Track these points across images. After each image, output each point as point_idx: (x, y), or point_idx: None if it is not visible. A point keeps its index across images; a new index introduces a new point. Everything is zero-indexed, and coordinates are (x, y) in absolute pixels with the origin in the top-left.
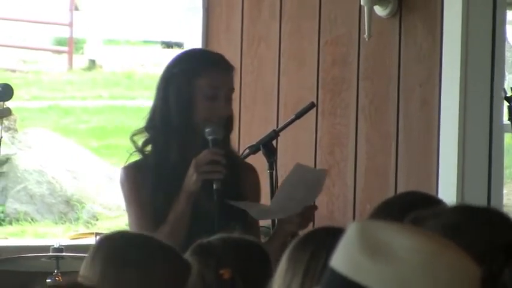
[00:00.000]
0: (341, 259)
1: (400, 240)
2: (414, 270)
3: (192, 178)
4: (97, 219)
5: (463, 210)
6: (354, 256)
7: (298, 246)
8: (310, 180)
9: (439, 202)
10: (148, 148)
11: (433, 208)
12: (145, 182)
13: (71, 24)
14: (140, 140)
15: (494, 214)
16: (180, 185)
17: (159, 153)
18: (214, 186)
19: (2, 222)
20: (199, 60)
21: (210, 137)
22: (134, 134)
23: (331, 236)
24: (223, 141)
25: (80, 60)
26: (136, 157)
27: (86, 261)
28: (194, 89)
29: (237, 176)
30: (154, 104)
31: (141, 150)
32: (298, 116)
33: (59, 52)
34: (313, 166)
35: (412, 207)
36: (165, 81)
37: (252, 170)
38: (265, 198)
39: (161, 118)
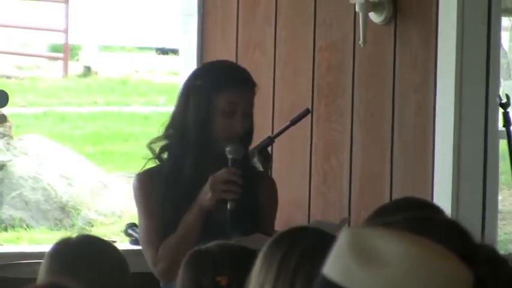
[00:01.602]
0: (332, 266)
1: (391, 246)
2: (405, 275)
3: (207, 195)
4: (92, 226)
5: (414, 221)
6: (345, 263)
7: (273, 244)
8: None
9: (435, 208)
10: (165, 155)
11: (387, 217)
12: (157, 190)
13: (66, 31)
14: (157, 147)
15: (445, 223)
16: (191, 198)
17: (173, 163)
18: (229, 206)
19: None
20: (220, 76)
21: (230, 156)
22: (152, 142)
23: (306, 235)
24: (243, 156)
25: (76, 67)
26: (152, 164)
27: (42, 268)
28: (213, 105)
29: (253, 189)
30: (174, 112)
31: (158, 157)
32: (294, 122)
33: (55, 58)
34: (308, 172)
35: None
36: (186, 92)
37: (268, 180)
38: None
39: (179, 129)
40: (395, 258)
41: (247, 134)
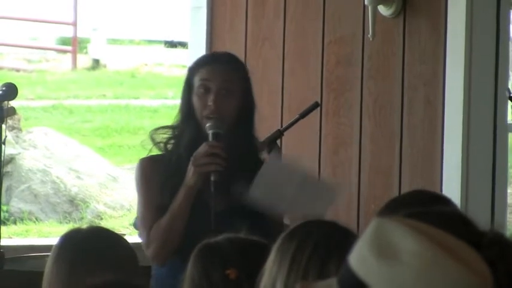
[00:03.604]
0: (354, 253)
1: (408, 243)
2: (411, 275)
3: (190, 173)
4: (101, 219)
5: (416, 216)
6: (363, 252)
7: (286, 237)
8: (312, 186)
9: (446, 200)
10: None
11: (393, 212)
12: (158, 176)
13: (75, 24)
14: (161, 136)
15: (447, 215)
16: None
17: (173, 150)
18: (212, 178)
19: (6, 222)
20: (197, 60)
21: (210, 131)
22: (156, 130)
23: (319, 228)
24: (238, 137)
25: (84, 60)
26: (158, 151)
27: (50, 259)
28: (191, 88)
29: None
30: None
31: (164, 145)
32: (303, 115)
33: (63, 51)
34: (317, 166)
35: (421, 206)
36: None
37: None
38: None
39: (177, 118)
40: (408, 256)
41: (242, 115)
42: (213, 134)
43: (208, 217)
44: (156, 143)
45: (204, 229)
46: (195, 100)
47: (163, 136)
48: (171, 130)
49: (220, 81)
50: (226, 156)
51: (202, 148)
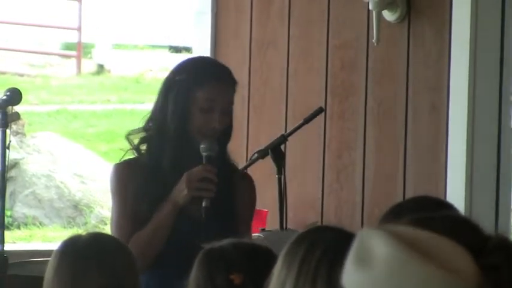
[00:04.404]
0: (345, 267)
1: (382, 248)
2: (384, 280)
3: (182, 192)
4: (105, 224)
5: (420, 222)
6: (347, 262)
7: (295, 242)
8: None
9: (449, 206)
10: (144, 147)
11: (397, 218)
12: (133, 181)
13: (79, 29)
14: (136, 139)
15: (453, 220)
16: (167, 191)
17: (151, 155)
18: (204, 203)
19: (10, 227)
20: (198, 72)
21: (204, 153)
22: (130, 133)
23: (327, 233)
24: (219, 152)
25: (89, 65)
26: (131, 156)
27: (50, 266)
28: (191, 100)
29: (230, 188)
30: (154, 106)
31: (136, 148)
32: (307, 120)
33: (68, 56)
34: (321, 170)
35: (424, 212)
36: (166, 87)
37: (247, 179)
38: (273, 203)
39: (158, 123)
40: (379, 261)
41: (226, 132)
42: (207, 156)
43: (189, 230)
44: (134, 147)
45: (189, 242)
46: (195, 115)
47: (137, 139)
48: (143, 132)
49: (224, 102)
50: (218, 181)
51: (198, 171)
